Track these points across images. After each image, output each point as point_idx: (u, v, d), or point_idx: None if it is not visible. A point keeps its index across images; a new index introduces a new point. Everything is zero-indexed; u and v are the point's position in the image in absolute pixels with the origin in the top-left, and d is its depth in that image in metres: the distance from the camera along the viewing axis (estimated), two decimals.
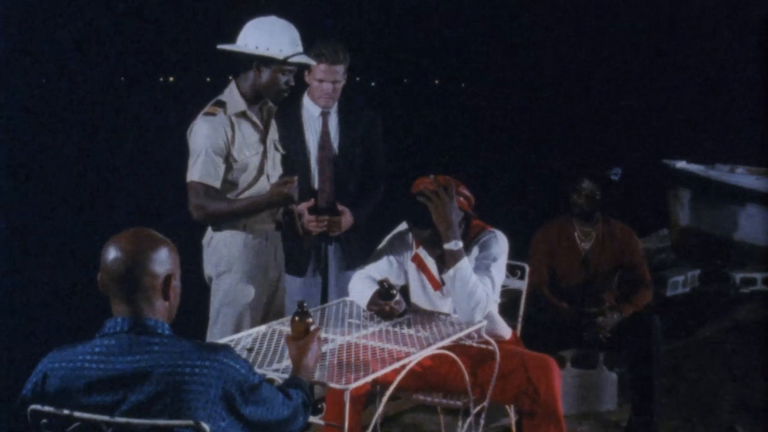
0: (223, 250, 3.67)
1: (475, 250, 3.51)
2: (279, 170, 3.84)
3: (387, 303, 3.34)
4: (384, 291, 3.35)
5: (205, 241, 3.73)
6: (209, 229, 3.71)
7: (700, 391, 4.99)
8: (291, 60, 3.63)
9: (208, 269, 3.73)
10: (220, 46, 3.69)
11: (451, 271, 3.36)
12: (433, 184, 3.40)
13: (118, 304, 2.15)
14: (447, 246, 3.36)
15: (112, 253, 2.14)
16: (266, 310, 3.78)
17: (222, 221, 3.65)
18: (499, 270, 3.50)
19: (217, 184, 3.59)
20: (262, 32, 3.62)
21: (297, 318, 2.72)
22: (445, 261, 3.38)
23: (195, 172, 3.57)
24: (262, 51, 3.59)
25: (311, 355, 2.58)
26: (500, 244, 3.52)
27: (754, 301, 7.00)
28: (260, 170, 3.71)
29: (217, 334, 3.64)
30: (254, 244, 3.69)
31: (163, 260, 2.17)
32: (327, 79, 4.20)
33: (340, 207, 4.19)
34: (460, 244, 3.38)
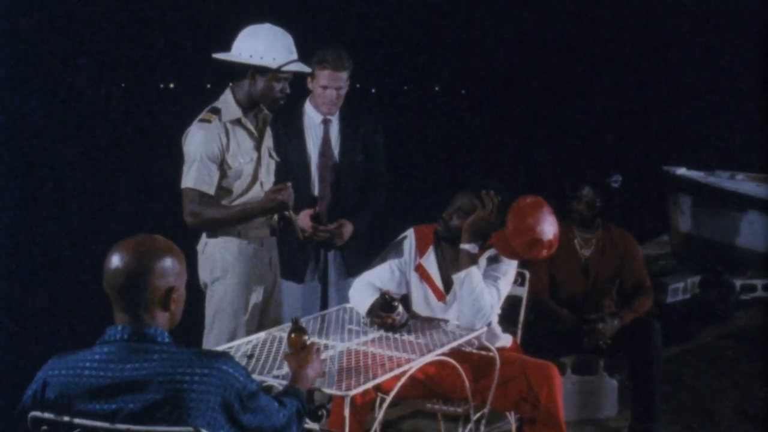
0: (218, 257, 3.67)
1: (484, 263, 3.53)
2: (273, 177, 3.85)
3: (389, 315, 3.34)
4: (386, 303, 3.35)
5: (199, 247, 3.73)
6: (204, 235, 3.71)
7: (700, 398, 4.99)
8: (285, 68, 3.63)
9: (203, 275, 3.73)
10: (215, 55, 3.71)
11: (462, 273, 3.42)
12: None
13: (119, 312, 2.15)
14: (465, 246, 3.46)
15: (113, 263, 2.13)
16: (262, 316, 3.78)
17: (216, 228, 3.65)
18: (506, 284, 3.57)
19: (212, 190, 3.59)
20: (256, 41, 3.63)
21: (293, 334, 2.74)
22: (459, 261, 3.46)
23: (189, 179, 3.58)
24: (256, 60, 3.60)
25: (310, 367, 2.59)
26: (511, 261, 3.59)
27: (754, 307, 7.00)
28: (254, 177, 3.72)
29: (213, 340, 3.65)
30: (249, 250, 3.69)
31: (166, 273, 2.16)
32: (330, 85, 4.20)
33: (339, 221, 4.19)
34: (477, 250, 3.48)
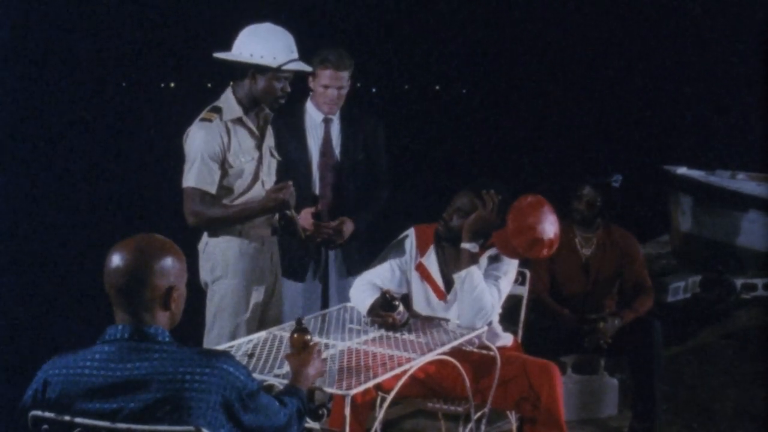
0: (219, 256, 3.67)
1: (485, 262, 3.53)
2: (274, 176, 3.85)
3: (390, 314, 3.34)
4: (387, 302, 3.35)
5: (200, 246, 3.73)
6: (205, 234, 3.72)
7: (700, 397, 4.98)
8: (285, 67, 3.64)
9: (204, 275, 3.73)
10: (216, 55, 3.71)
11: (463, 273, 3.42)
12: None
13: (120, 312, 2.15)
14: (465, 246, 3.46)
15: (113, 263, 2.13)
16: (263, 315, 3.78)
17: (217, 227, 3.65)
18: (507, 283, 3.57)
19: (213, 190, 3.59)
20: (256, 40, 3.63)
21: (296, 335, 2.74)
22: (460, 260, 3.46)
23: (191, 178, 3.58)
24: (256, 59, 3.60)
25: (311, 366, 2.59)
26: (511, 260, 3.58)
27: (755, 307, 6.99)
28: (255, 176, 3.72)
29: (214, 339, 3.65)
30: (250, 250, 3.69)
31: (166, 272, 2.16)
32: (332, 85, 4.21)
33: (340, 219, 4.19)
34: (477, 249, 3.47)
